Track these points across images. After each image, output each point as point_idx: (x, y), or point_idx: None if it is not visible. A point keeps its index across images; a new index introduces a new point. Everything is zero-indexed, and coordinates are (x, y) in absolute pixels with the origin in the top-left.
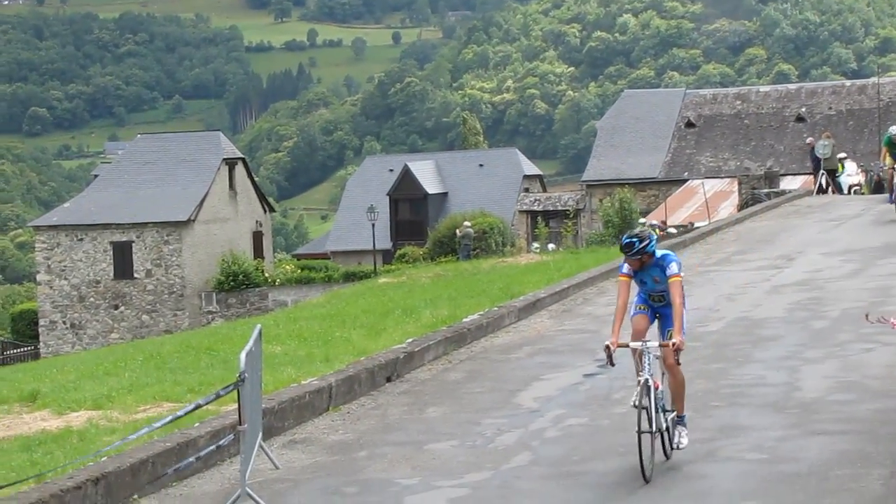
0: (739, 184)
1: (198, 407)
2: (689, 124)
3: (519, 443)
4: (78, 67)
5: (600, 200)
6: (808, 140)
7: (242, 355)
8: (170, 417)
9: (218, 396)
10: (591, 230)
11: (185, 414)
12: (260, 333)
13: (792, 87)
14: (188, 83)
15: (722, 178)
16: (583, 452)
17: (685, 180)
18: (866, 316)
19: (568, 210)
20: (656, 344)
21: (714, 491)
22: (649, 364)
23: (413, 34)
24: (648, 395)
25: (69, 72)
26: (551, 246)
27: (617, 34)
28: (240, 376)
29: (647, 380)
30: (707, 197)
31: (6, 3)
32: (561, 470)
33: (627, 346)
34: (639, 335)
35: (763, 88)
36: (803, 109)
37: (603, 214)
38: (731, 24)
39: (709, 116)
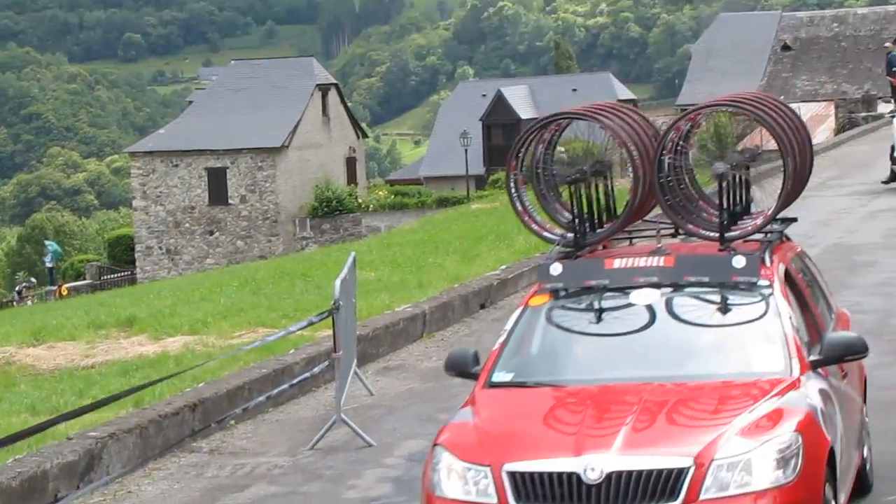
0: (836, 107)
1: (288, 333)
2: (786, 47)
3: None
4: None
5: None
6: (888, 44)
7: (337, 283)
8: (258, 343)
9: (311, 323)
10: None
11: (275, 340)
12: (354, 260)
13: (890, 8)
14: (280, 8)
15: (818, 101)
16: None
17: None
18: None
19: None
20: None
21: None
22: None
23: None
24: None
25: None
26: None
27: None
28: (334, 304)
29: None
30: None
31: None
32: None
33: None
34: None
35: (861, 10)
36: None
37: (698, 139)
38: None
39: (805, 39)
